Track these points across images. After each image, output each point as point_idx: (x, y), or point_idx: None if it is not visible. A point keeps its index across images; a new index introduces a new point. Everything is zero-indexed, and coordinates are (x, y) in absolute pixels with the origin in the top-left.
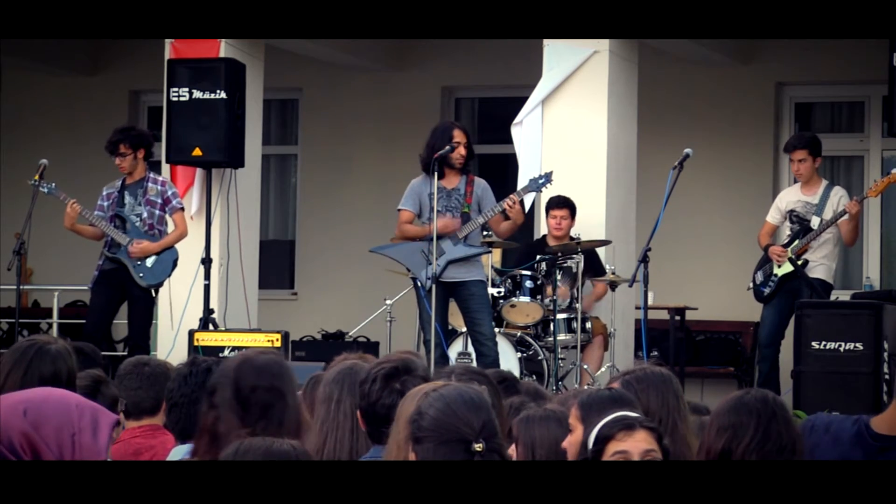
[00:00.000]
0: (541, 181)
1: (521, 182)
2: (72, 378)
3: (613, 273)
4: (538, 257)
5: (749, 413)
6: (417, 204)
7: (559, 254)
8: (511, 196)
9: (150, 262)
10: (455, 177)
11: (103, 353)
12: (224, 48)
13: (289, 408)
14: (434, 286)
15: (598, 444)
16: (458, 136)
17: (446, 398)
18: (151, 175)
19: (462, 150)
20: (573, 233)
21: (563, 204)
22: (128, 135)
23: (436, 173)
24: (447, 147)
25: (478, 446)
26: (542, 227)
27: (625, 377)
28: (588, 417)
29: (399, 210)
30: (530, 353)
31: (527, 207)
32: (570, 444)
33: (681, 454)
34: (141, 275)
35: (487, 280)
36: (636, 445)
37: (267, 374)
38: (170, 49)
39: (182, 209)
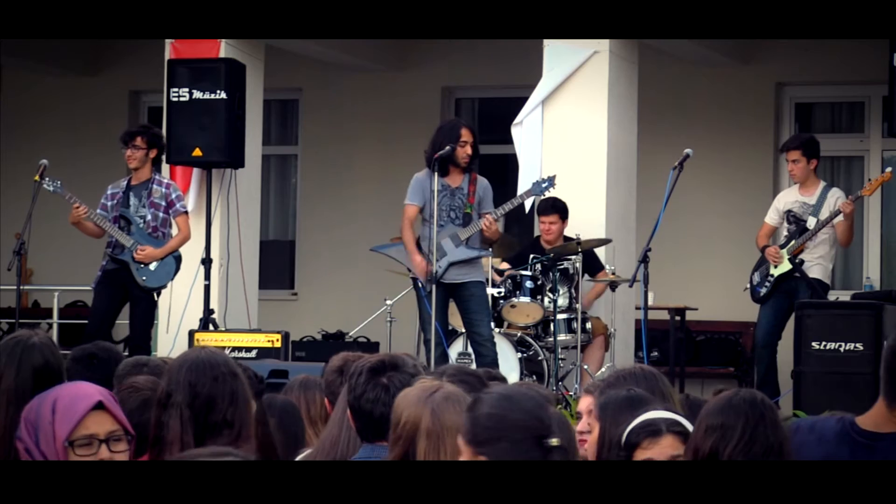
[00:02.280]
0: (544, 185)
1: (524, 185)
2: (61, 366)
3: (613, 273)
4: (532, 257)
5: (737, 415)
6: (423, 198)
7: (556, 256)
8: (487, 217)
9: (152, 265)
10: (459, 175)
11: None
12: (224, 48)
13: (247, 390)
14: (434, 286)
15: (626, 451)
16: (465, 134)
17: (511, 396)
18: (157, 177)
19: (468, 150)
20: (573, 233)
21: (551, 209)
22: (147, 130)
23: (436, 173)
24: (448, 147)
25: (555, 441)
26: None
27: (606, 381)
28: (606, 418)
29: (405, 205)
30: (530, 353)
31: (527, 208)
32: (590, 443)
33: None
34: (144, 278)
35: (487, 281)
36: (662, 452)
37: (221, 362)
38: (170, 49)
39: (186, 213)
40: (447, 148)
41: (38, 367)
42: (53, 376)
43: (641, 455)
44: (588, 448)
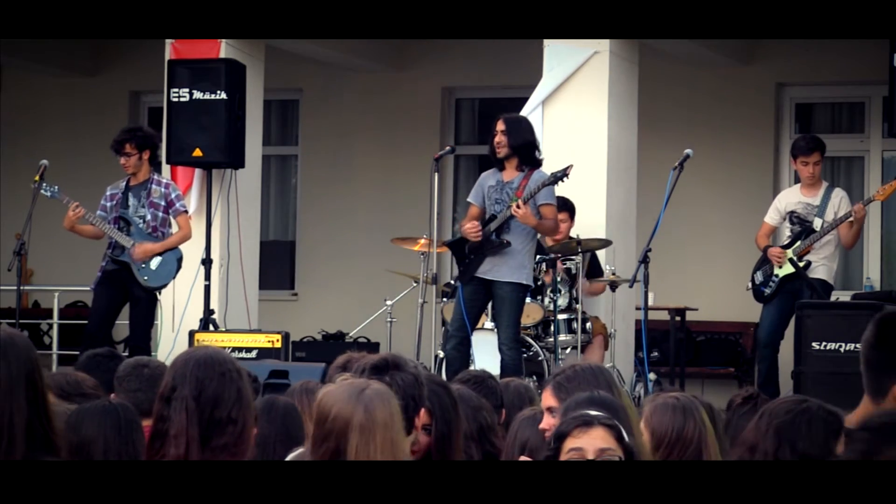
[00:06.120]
0: (558, 174)
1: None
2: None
3: (614, 273)
4: (537, 258)
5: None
6: (481, 196)
7: (559, 255)
8: (517, 201)
9: (154, 264)
10: (514, 170)
11: None
12: (224, 49)
13: (250, 390)
14: (471, 280)
15: (556, 442)
16: (497, 125)
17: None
18: (155, 177)
19: (498, 138)
20: (573, 233)
21: (563, 207)
22: (134, 135)
23: (436, 174)
24: (447, 148)
25: None
26: None
27: (555, 379)
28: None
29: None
30: (531, 353)
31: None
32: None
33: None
34: (145, 277)
35: (536, 281)
36: (591, 443)
37: (228, 360)
38: (170, 49)
39: (186, 212)
40: (446, 149)
41: (31, 359)
42: (36, 371)
43: (570, 444)
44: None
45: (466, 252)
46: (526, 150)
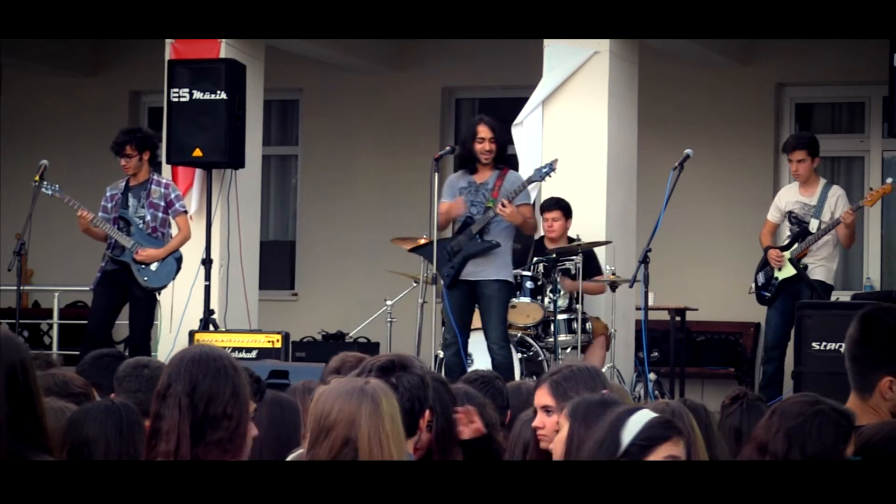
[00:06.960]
0: (544, 170)
1: (525, 175)
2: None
3: (614, 274)
4: (535, 259)
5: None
6: (453, 197)
7: (557, 255)
8: (502, 200)
9: (153, 265)
10: (487, 171)
11: None
12: (224, 49)
13: (246, 386)
14: (456, 284)
15: (647, 442)
16: (482, 131)
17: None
18: (155, 177)
19: (486, 146)
20: (573, 233)
21: (554, 206)
22: (134, 136)
23: (436, 174)
24: (447, 148)
25: None
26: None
27: (552, 378)
28: (577, 419)
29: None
30: (531, 353)
31: (532, 198)
32: (557, 443)
33: None
34: (145, 278)
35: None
36: (681, 452)
37: (223, 356)
38: (170, 49)
39: (185, 212)
40: (447, 149)
41: (12, 361)
42: (25, 373)
43: (670, 450)
44: (555, 447)
45: (449, 251)
46: (503, 152)
